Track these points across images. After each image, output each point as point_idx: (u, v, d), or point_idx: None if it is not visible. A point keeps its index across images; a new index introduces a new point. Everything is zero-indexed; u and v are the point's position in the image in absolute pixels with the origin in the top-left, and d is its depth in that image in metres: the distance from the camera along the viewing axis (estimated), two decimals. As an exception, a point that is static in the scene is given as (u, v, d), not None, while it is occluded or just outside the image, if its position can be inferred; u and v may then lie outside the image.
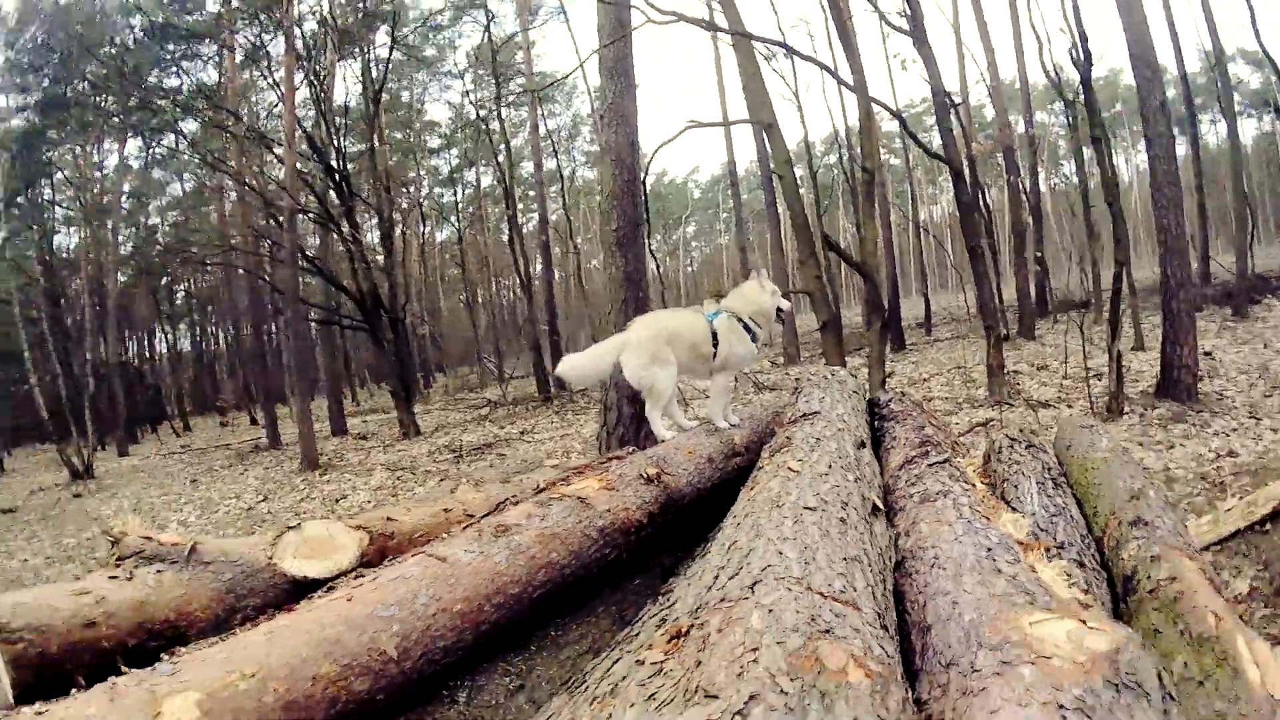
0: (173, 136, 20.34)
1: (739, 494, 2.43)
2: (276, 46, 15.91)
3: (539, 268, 24.66)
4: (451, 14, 23.66)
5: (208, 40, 18.53)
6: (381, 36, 18.43)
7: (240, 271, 20.38)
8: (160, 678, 1.41)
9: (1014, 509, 2.33)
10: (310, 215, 16.11)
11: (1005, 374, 10.14)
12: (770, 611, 1.30)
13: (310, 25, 16.12)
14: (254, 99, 21.38)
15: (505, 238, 40.81)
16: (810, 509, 1.88)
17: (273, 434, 16.55)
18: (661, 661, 1.27)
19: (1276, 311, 15.59)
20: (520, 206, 26.91)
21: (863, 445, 2.73)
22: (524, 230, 25.97)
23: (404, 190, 29.75)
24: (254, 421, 24.14)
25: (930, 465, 2.35)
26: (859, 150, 10.58)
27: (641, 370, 3.50)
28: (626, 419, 7.78)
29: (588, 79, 22.21)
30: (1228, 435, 7.14)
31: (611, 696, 1.29)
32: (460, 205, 33.05)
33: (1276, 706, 1.40)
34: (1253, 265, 19.04)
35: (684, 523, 2.98)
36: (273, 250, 17.86)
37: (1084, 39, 9.60)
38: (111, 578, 2.02)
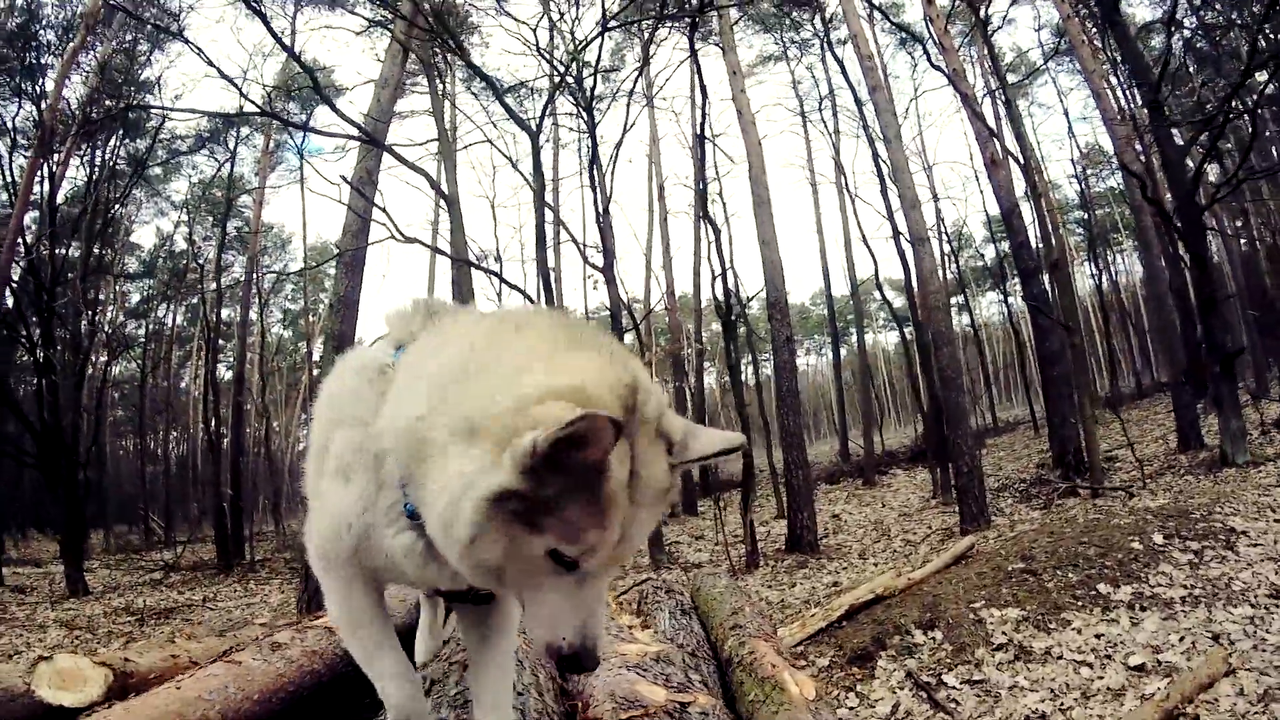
0: None
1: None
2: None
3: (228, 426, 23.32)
4: (193, 141, 22.12)
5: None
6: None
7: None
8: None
9: (647, 625, 3.53)
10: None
11: (665, 545, 12.15)
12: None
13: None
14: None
15: (184, 384, 37.90)
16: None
17: (-86, 575, 13.86)
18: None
19: (899, 478, 19.70)
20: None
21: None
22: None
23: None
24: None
25: (581, 594, 3.49)
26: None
27: None
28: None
29: (306, 238, 22.66)
30: (837, 573, 9.56)
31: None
32: (146, 341, 30.32)
33: (805, 702, 2.48)
34: (884, 444, 23.83)
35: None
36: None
37: (733, 292, 12.47)
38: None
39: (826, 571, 9.71)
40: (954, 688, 4.52)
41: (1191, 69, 16.45)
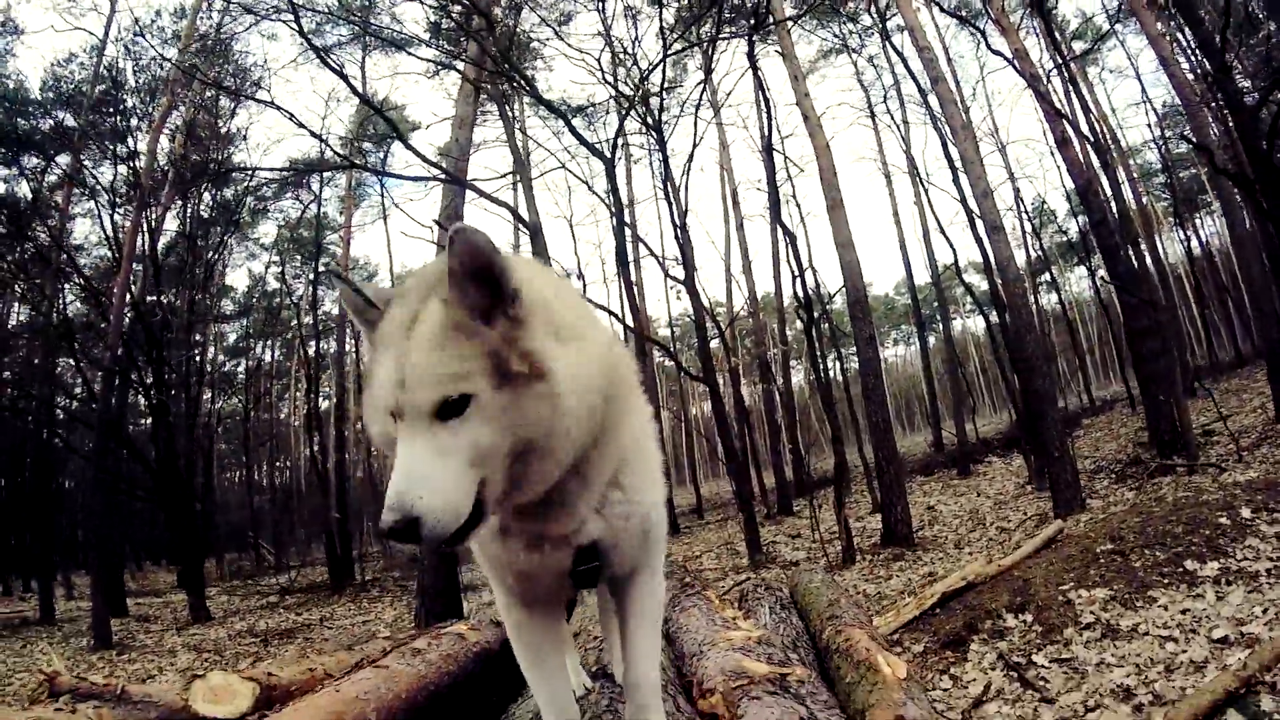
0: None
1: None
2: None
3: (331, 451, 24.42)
4: (278, 188, 22.76)
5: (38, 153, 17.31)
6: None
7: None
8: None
9: (750, 617, 3.81)
10: (115, 371, 15.00)
11: (762, 545, 12.35)
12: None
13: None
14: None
15: (284, 414, 39.79)
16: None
17: (45, 607, 15.15)
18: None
19: (994, 466, 19.25)
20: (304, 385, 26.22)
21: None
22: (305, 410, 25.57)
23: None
24: (8, 592, 21.46)
25: (688, 595, 3.70)
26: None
27: None
28: (446, 595, 8.90)
29: (392, 268, 23.60)
30: (932, 564, 9.62)
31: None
32: (246, 378, 31.99)
33: (898, 681, 2.70)
34: (977, 432, 23.21)
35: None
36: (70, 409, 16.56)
37: (814, 290, 12.60)
38: (57, 710, 2.52)
39: (922, 563, 9.79)
40: (1043, 666, 4.65)
41: (1261, 15, 15.75)
